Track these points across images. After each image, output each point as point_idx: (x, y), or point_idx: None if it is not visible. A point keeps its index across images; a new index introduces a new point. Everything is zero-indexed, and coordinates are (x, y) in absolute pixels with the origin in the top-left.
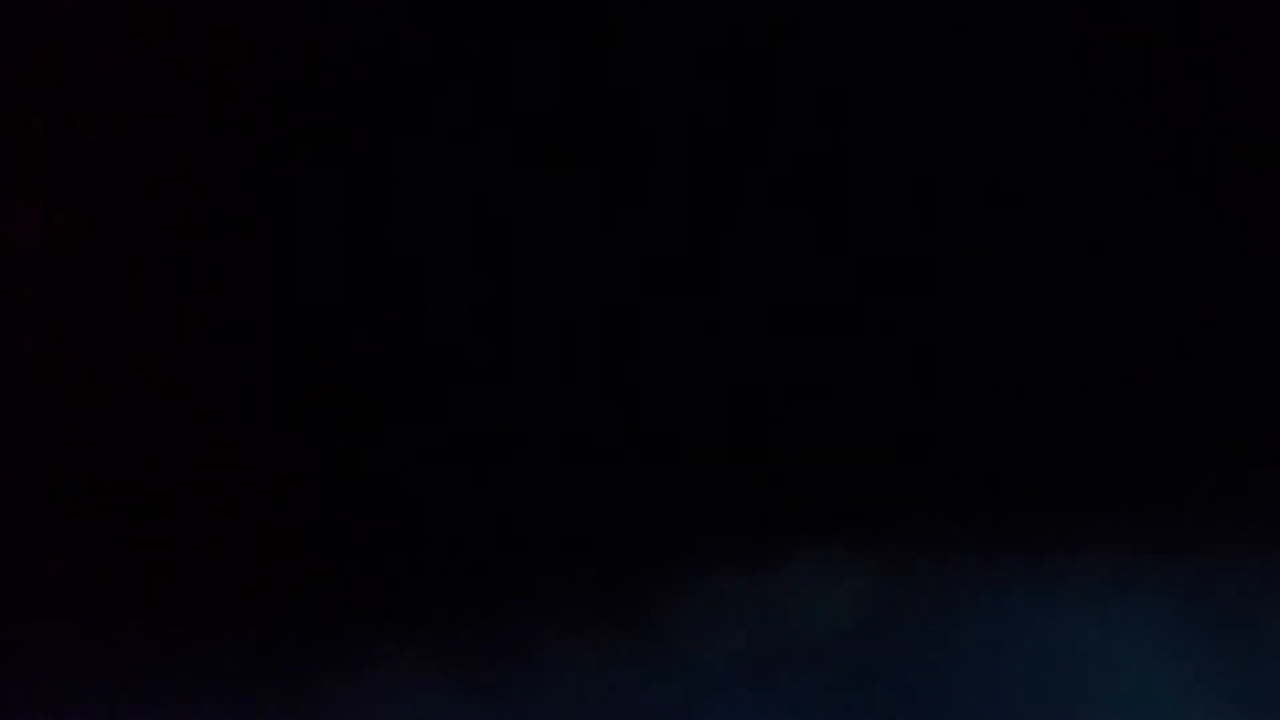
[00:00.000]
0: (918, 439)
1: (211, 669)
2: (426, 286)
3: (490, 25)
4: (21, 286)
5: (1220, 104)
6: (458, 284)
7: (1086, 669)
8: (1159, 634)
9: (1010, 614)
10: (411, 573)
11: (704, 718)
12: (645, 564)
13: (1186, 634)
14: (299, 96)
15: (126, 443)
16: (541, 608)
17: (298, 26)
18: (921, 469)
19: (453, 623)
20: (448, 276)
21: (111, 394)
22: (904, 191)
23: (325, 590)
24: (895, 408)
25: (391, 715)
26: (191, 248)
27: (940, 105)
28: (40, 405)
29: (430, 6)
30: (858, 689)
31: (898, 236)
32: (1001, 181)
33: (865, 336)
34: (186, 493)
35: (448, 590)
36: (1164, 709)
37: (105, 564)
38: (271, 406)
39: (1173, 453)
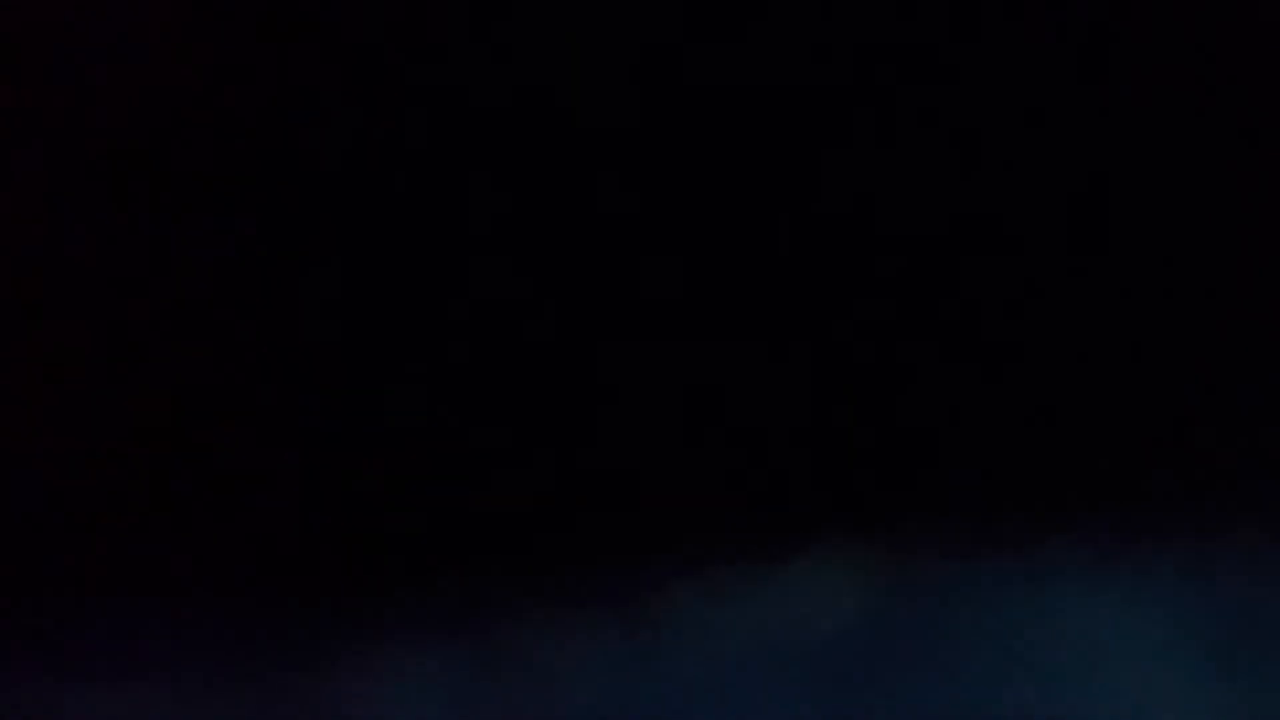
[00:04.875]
0: (917, 438)
1: (208, 668)
2: (423, 286)
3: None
4: (21, 285)
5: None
6: (454, 282)
7: (1087, 667)
8: (1160, 629)
9: (1010, 612)
10: (409, 571)
11: (703, 718)
12: (643, 564)
13: (1188, 629)
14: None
15: (127, 436)
16: (539, 607)
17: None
18: (921, 469)
19: (450, 622)
20: (444, 275)
21: (112, 387)
22: (903, 190)
23: (321, 589)
24: (894, 407)
25: (389, 715)
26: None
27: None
28: (40, 399)
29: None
30: (857, 688)
31: (890, 236)
32: (994, 179)
33: (863, 336)
34: (185, 489)
35: (444, 589)
36: (1165, 702)
37: (104, 563)
38: (270, 402)
39: (1173, 450)
